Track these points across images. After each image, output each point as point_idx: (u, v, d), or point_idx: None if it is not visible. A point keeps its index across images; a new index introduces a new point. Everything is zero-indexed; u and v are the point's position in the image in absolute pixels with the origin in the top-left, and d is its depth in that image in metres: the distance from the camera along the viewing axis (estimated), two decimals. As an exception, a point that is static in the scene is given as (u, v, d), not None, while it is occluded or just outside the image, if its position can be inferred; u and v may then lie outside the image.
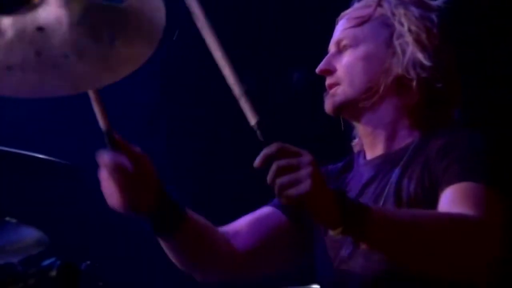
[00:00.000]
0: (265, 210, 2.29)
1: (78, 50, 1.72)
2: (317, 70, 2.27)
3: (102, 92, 1.84)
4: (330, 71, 2.25)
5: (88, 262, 3.40)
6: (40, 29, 1.74)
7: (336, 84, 2.23)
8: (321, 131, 2.34)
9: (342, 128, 2.35)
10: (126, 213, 1.96)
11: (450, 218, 1.87)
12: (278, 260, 2.30)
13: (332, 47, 2.29)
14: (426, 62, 2.15)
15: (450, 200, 1.94)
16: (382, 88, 2.18)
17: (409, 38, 2.18)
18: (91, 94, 1.85)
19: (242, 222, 2.28)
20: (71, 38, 1.73)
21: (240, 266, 2.24)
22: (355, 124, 2.29)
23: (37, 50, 1.73)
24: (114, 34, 1.72)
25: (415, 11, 2.21)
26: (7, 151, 2.53)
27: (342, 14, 2.32)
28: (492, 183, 1.96)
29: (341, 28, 2.28)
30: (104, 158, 1.90)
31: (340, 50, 2.26)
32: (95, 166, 2.07)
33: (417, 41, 2.18)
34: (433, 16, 2.22)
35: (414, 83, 2.16)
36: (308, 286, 3.20)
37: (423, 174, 2.06)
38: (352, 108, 2.22)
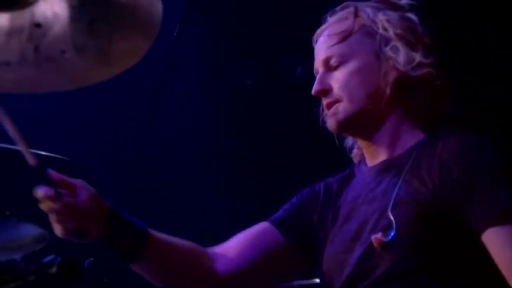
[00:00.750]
0: (261, 227, 2.29)
1: (75, 45, 1.72)
2: (313, 92, 2.23)
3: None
4: (327, 91, 2.22)
5: (92, 259, 3.40)
6: (37, 25, 1.74)
7: (335, 102, 2.20)
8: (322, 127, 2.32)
9: (337, 144, 2.33)
10: (74, 241, 2.02)
11: None
12: (268, 278, 2.30)
13: (319, 67, 2.25)
14: (423, 60, 2.14)
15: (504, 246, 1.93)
16: (387, 93, 2.15)
17: (398, 42, 2.16)
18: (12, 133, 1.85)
19: (234, 241, 2.28)
20: (69, 33, 1.73)
21: (225, 287, 2.24)
22: (357, 138, 2.27)
23: (35, 46, 1.73)
24: (112, 28, 1.72)
25: (393, 14, 2.20)
26: (7, 147, 2.53)
27: (319, 31, 2.29)
28: None
29: (325, 47, 2.24)
30: (38, 193, 1.94)
31: (329, 69, 2.23)
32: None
33: (407, 43, 2.16)
34: (411, 16, 2.21)
35: (420, 83, 2.14)
36: (311, 281, 3.20)
37: (441, 177, 2.02)
38: (357, 123, 2.19)
